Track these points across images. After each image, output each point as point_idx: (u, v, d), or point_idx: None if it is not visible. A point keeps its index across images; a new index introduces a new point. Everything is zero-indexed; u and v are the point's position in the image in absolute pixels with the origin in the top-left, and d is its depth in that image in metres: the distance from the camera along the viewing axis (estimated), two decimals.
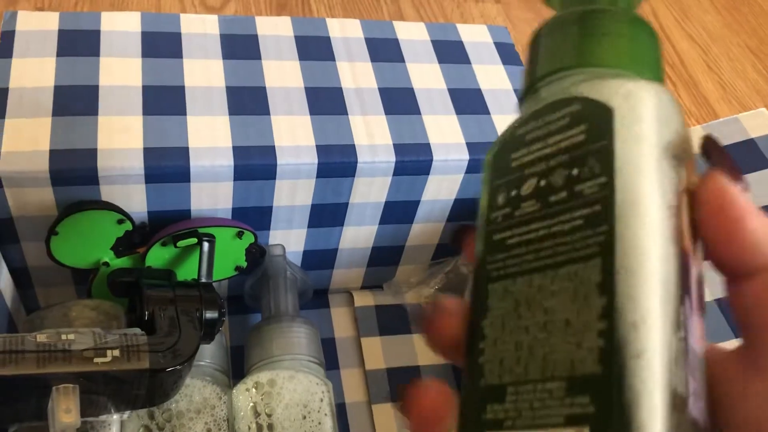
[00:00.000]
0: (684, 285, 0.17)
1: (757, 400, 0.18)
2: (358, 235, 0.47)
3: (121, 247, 0.42)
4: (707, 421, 0.17)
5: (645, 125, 0.18)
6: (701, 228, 0.19)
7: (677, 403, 0.16)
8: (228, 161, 0.40)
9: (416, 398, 0.20)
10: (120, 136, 0.40)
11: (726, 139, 0.42)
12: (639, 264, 0.17)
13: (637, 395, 0.15)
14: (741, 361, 0.19)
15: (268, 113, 0.42)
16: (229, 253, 0.44)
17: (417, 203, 0.46)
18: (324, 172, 0.42)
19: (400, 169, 0.43)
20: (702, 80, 0.77)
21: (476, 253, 0.21)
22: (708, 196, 0.19)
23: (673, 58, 0.79)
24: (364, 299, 0.52)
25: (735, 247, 0.18)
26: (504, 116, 0.46)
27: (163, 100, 0.42)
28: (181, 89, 0.42)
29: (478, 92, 0.47)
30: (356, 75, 0.46)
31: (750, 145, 0.42)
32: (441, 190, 0.45)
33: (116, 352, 0.35)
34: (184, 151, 0.40)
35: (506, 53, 0.50)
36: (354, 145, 0.42)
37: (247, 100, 0.43)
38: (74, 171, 0.38)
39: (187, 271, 0.43)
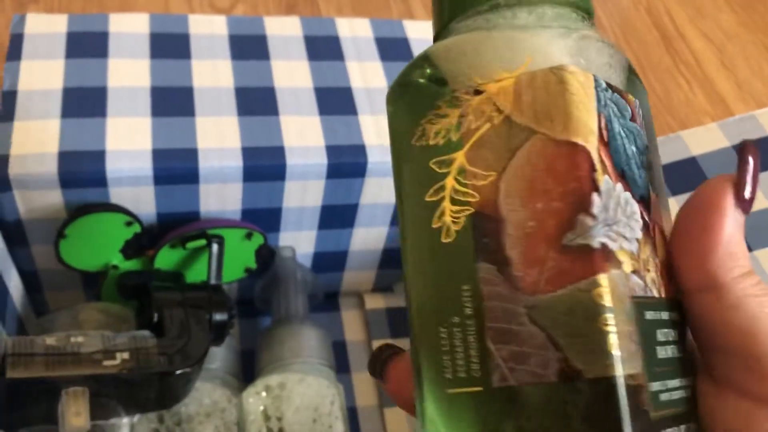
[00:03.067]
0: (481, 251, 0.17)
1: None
2: (368, 236, 0.47)
3: (129, 249, 0.41)
4: None
5: None
6: (679, 223, 0.18)
7: None
8: (237, 162, 0.40)
9: (393, 367, 0.22)
10: (128, 138, 0.40)
11: (742, 136, 0.41)
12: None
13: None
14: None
15: (276, 114, 0.42)
16: (239, 255, 0.44)
17: None
18: (334, 172, 0.41)
19: None
20: (717, 79, 0.76)
21: None
22: (701, 193, 0.18)
23: (687, 57, 0.79)
24: (375, 302, 0.52)
25: (701, 253, 0.18)
26: None
27: (172, 102, 0.42)
28: (189, 90, 0.42)
29: None
30: (366, 74, 0.45)
31: (767, 142, 0.41)
32: None
33: (125, 355, 0.35)
34: (193, 153, 0.40)
35: None
36: (364, 145, 0.42)
37: (256, 101, 0.42)
38: (83, 173, 0.38)
39: (196, 274, 0.43)
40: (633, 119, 0.19)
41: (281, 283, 0.46)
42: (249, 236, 0.43)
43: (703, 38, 0.81)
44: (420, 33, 0.49)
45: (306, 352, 0.43)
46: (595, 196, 0.17)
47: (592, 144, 0.17)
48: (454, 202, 0.18)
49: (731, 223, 0.17)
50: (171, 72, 0.43)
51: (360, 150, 0.42)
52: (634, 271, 0.17)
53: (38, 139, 0.39)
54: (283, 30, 0.47)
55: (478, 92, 0.18)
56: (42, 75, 0.41)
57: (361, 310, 0.52)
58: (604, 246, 0.16)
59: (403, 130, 0.19)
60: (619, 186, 0.17)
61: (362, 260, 0.49)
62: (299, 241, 0.46)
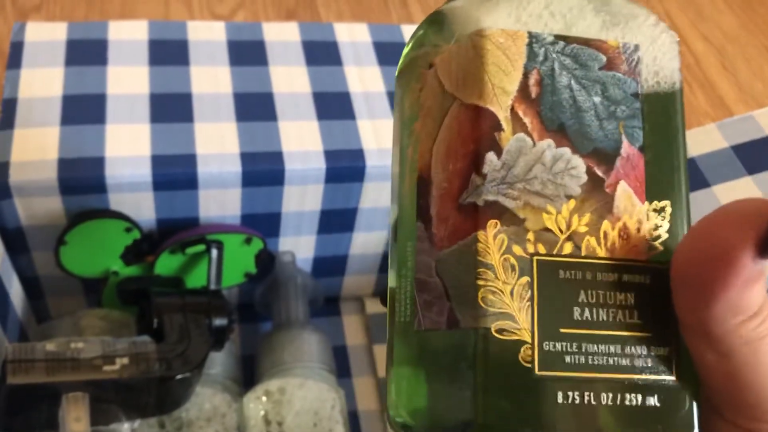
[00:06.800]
0: (421, 214, 0.18)
1: None
2: (368, 240, 0.47)
3: (129, 255, 0.41)
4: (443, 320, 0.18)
5: None
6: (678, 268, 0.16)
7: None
8: (236, 167, 0.40)
9: None
10: (128, 144, 0.40)
11: (740, 137, 0.41)
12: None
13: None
14: None
15: (275, 119, 0.42)
16: (238, 260, 0.44)
17: None
18: (332, 177, 0.42)
19: None
20: (718, 81, 0.76)
21: None
22: (714, 233, 0.15)
23: (688, 59, 0.79)
24: (376, 306, 0.52)
25: (697, 303, 0.16)
26: None
27: (171, 108, 0.42)
28: (188, 96, 0.42)
29: None
30: (364, 79, 0.45)
31: (765, 143, 0.41)
32: None
33: (125, 360, 0.35)
34: (192, 158, 0.40)
35: None
36: (362, 149, 0.42)
37: (255, 106, 0.43)
38: (83, 180, 0.38)
39: (196, 279, 0.43)
40: (609, 68, 0.18)
41: (281, 287, 0.46)
42: (248, 241, 0.43)
43: (704, 40, 0.81)
44: None
45: (306, 356, 0.43)
46: (490, 156, 0.17)
47: (500, 105, 0.17)
48: (411, 170, 0.19)
49: (742, 281, 0.15)
50: (170, 78, 0.43)
51: (358, 154, 0.42)
52: (547, 229, 0.17)
53: (38, 146, 0.39)
54: (282, 36, 0.47)
55: (431, 66, 0.19)
56: (42, 83, 0.42)
57: (362, 314, 0.52)
58: (491, 204, 0.17)
59: (398, 101, 0.21)
60: (545, 143, 0.17)
61: (362, 264, 0.49)
62: (299, 245, 0.46)
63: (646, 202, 0.18)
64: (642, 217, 0.18)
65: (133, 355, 0.35)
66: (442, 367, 0.17)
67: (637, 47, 0.18)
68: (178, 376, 0.36)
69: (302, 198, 0.43)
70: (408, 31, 0.49)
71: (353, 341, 0.51)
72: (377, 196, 0.44)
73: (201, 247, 0.41)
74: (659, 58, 0.19)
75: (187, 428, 0.40)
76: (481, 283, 0.17)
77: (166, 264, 0.42)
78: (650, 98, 0.18)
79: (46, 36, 0.44)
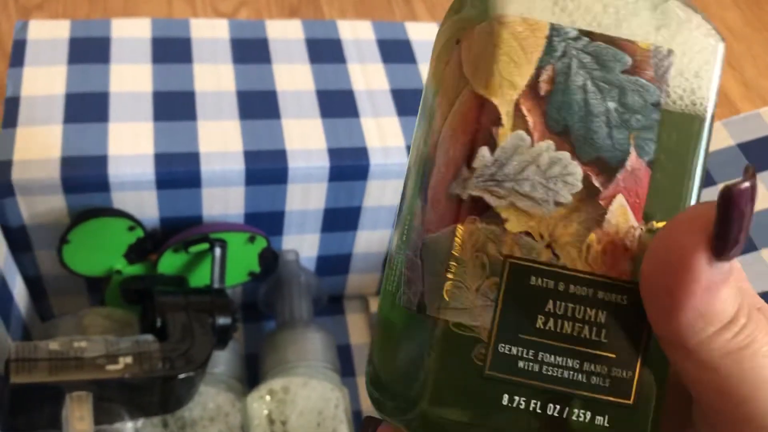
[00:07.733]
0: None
1: None
2: (372, 239, 0.47)
3: (133, 254, 0.41)
4: (421, 300, 0.18)
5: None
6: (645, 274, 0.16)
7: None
8: (239, 165, 0.40)
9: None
10: (131, 143, 0.40)
11: (747, 134, 0.41)
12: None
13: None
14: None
15: (278, 117, 0.42)
16: (242, 259, 0.44)
17: None
18: (336, 175, 0.41)
19: None
20: (724, 78, 0.76)
21: None
22: (666, 242, 0.15)
23: None
24: None
25: (664, 313, 0.16)
26: None
27: (174, 106, 0.42)
28: (191, 94, 0.42)
29: None
30: (368, 77, 0.45)
31: None
32: None
33: (128, 359, 0.35)
34: (195, 157, 0.40)
35: None
36: (366, 147, 0.42)
37: (258, 104, 0.42)
38: (85, 178, 0.38)
39: (199, 278, 0.43)
40: (633, 72, 0.17)
41: (285, 286, 0.46)
42: (252, 240, 0.43)
43: None
44: (422, 34, 0.49)
45: (310, 355, 0.43)
46: (483, 150, 0.17)
47: (505, 98, 0.17)
48: (424, 144, 0.19)
49: (703, 287, 0.15)
50: (173, 76, 0.43)
51: (362, 152, 0.41)
52: (527, 233, 0.17)
53: (41, 144, 0.39)
54: (285, 33, 0.47)
55: (458, 42, 0.18)
56: (45, 81, 0.42)
57: (366, 313, 0.52)
58: (474, 199, 0.17)
59: (430, 68, 0.20)
60: (544, 144, 0.17)
61: (366, 263, 0.49)
62: (303, 244, 0.46)
63: (643, 221, 0.17)
64: (633, 235, 0.17)
65: (137, 354, 0.35)
66: (407, 346, 0.18)
67: (670, 52, 0.17)
68: (182, 375, 0.36)
69: (306, 196, 0.42)
70: (412, 28, 0.49)
71: (357, 340, 0.50)
72: (381, 195, 0.44)
73: (204, 246, 0.41)
74: (701, 75, 0.17)
75: (191, 427, 0.39)
76: (449, 276, 0.17)
77: (169, 263, 0.42)
78: (675, 115, 0.17)
79: (48, 34, 0.44)
